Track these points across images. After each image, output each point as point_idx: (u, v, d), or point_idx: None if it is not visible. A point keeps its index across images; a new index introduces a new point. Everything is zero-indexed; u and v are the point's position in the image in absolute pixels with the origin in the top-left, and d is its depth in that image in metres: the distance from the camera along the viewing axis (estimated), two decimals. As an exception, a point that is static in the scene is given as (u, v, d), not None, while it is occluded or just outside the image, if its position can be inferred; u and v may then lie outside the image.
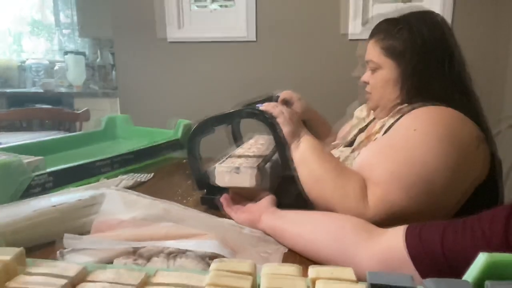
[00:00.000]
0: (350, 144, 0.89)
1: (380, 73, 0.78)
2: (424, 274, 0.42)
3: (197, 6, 2.21)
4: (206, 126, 0.76)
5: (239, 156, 0.81)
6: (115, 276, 0.35)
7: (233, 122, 0.97)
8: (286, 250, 0.60)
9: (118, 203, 0.65)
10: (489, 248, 0.38)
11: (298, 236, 0.58)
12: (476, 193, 0.65)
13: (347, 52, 2.00)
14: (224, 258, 0.45)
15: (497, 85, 1.67)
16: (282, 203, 0.71)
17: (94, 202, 0.67)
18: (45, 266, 0.38)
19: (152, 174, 1.02)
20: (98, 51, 3.55)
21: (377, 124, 0.79)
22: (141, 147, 1.09)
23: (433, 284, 0.34)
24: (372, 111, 0.86)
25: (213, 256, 0.51)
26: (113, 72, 3.29)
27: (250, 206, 0.72)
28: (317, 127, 1.04)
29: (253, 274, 0.35)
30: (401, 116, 0.71)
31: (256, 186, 0.72)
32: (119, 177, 0.95)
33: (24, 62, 3.58)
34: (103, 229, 0.60)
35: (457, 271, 0.39)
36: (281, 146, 0.75)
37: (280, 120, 0.74)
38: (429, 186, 0.60)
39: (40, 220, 0.60)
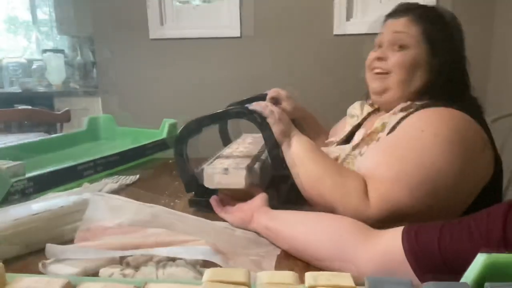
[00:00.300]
0: (345, 141, 0.88)
1: (409, 53, 0.73)
2: (422, 276, 0.42)
3: (180, 2, 2.17)
4: (194, 126, 0.74)
5: (228, 157, 0.79)
6: (102, 291, 0.33)
7: (221, 122, 0.95)
8: (279, 251, 0.59)
9: (103, 209, 0.62)
10: (486, 248, 0.38)
11: (293, 238, 0.57)
12: (480, 195, 0.65)
13: (336, 48, 2.00)
14: (216, 266, 0.43)
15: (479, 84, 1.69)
16: (272, 202, 0.70)
17: (77, 208, 0.64)
18: (26, 282, 0.36)
19: (138, 176, 0.99)
20: (78, 49, 3.46)
21: (377, 121, 0.77)
22: (126, 148, 1.06)
23: (432, 287, 0.33)
24: (376, 96, 0.80)
25: (204, 263, 0.50)
26: (94, 70, 3.22)
27: (242, 205, 0.71)
28: (308, 125, 1.02)
29: (248, 284, 0.34)
30: (406, 115, 0.70)
31: (246, 187, 0.70)
32: (103, 180, 0.92)
33: (0, 61, 3.46)
34: (88, 237, 0.57)
35: (455, 272, 0.38)
36: (271, 145, 0.74)
37: (270, 120, 0.72)
38: (435, 188, 0.59)
39: (20, 230, 0.58)
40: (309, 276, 0.34)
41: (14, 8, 3.80)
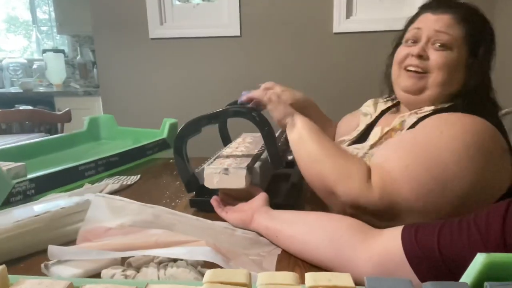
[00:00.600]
0: (358, 140, 0.86)
1: (452, 55, 0.70)
2: (421, 275, 0.42)
3: (180, 1, 2.17)
4: (193, 126, 0.74)
5: (228, 156, 0.79)
6: (104, 293, 0.34)
7: (220, 122, 0.95)
8: (280, 251, 0.60)
9: (104, 209, 0.62)
10: (486, 248, 0.38)
11: (293, 238, 0.58)
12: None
13: (336, 46, 2.00)
14: (217, 267, 0.44)
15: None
16: (272, 202, 0.70)
17: (79, 209, 0.64)
18: (29, 284, 0.36)
19: (139, 176, 0.99)
20: (78, 48, 3.46)
21: (396, 119, 0.76)
22: (126, 148, 1.07)
23: (432, 287, 0.33)
24: (408, 95, 0.75)
25: (205, 264, 0.50)
26: (94, 70, 3.22)
27: (242, 205, 0.71)
28: (310, 114, 0.92)
29: (249, 285, 0.34)
30: (427, 116, 0.69)
31: (246, 187, 0.71)
32: (104, 181, 0.93)
33: (0, 61, 3.47)
34: (90, 237, 0.58)
35: (455, 271, 0.38)
36: (270, 143, 0.74)
37: (270, 107, 0.74)
38: (443, 190, 0.58)
39: (22, 231, 0.58)
40: (309, 276, 0.35)
41: (14, 8, 3.80)
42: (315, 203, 0.79)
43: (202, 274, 0.47)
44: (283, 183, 0.88)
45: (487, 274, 0.32)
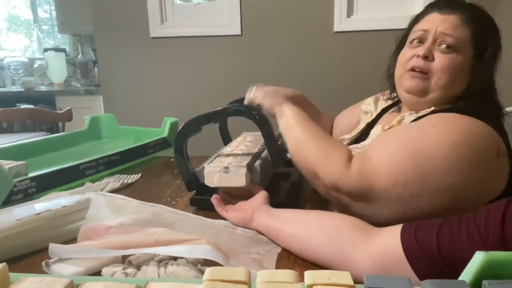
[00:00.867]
0: (359, 138, 0.87)
1: (458, 57, 0.68)
2: (420, 274, 0.42)
3: (180, 0, 2.17)
4: (193, 125, 0.75)
5: (228, 155, 0.79)
6: (104, 291, 0.34)
7: (220, 120, 0.95)
8: (280, 250, 0.60)
9: (105, 208, 0.63)
10: (485, 246, 0.38)
11: (293, 236, 0.58)
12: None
13: (336, 45, 2.00)
14: (217, 265, 0.44)
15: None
16: (272, 200, 0.70)
17: (79, 208, 0.64)
18: (30, 282, 0.36)
19: (140, 174, 1.00)
20: (79, 47, 3.46)
21: (396, 118, 0.76)
22: (127, 147, 1.07)
23: (431, 285, 0.33)
24: (411, 96, 0.73)
25: (205, 262, 0.50)
26: (95, 69, 3.22)
27: (242, 204, 0.71)
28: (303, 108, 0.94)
29: (248, 282, 0.34)
30: (425, 115, 0.68)
31: (247, 185, 0.71)
32: (105, 179, 0.93)
33: (2, 60, 3.47)
34: (90, 236, 0.58)
35: (454, 270, 0.38)
36: (270, 142, 0.74)
37: (259, 100, 0.77)
38: (423, 181, 0.58)
39: (23, 229, 0.58)
40: (309, 274, 0.35)
41: (15, 7, 3.80)
42: (315, 201, 0.79)
43: (202, 272, 0.48)
44: (283, 182, 0.88)
45: (486, 272, 0.33)
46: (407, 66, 0.73)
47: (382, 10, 1.94)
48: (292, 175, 0.90)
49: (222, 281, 0.34)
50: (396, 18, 1.81)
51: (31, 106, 2.55)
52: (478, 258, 0.33)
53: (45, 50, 3.31)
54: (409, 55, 0.73)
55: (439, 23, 0.70)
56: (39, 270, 0.52)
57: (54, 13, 3.40)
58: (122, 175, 0.98)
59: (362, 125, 0.90)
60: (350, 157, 0.64)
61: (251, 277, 0.35)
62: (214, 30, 2.06)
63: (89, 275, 0.50)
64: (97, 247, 0.52)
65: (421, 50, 0.70)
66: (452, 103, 0.71)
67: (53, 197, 0.73)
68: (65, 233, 0.62)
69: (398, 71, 0.77)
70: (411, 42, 0.74)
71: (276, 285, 0.34)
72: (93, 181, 0.91)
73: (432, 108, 0.71)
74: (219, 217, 0.71)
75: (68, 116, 2.06)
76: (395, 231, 0.46)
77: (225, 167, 0.71)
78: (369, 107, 0.92)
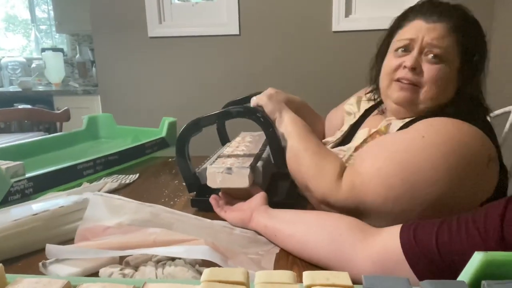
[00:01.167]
0: (343, 141, 0.86)
1: (446, 68, 0.67)
2: (420, 274, 0.42)
3: (179, 0, 2.16)
4: (195, 126, 0.74)
5: (229, 156, 0.79)
6: (101, 292, 0.34)
7: (222, 122, 0.95)
8: (278, 250, 0.60)
9: (103, 208, 0.62)
10: (484, 246, 0.38)
11: (292, 237, 0.58)
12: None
13: (335, 45, 1.99)
14: (215, 265, 0.44)
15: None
16: (272, 200, 0.70)
17: (77, 208, 0.64)
18: (26, 283, 0.36)
19: (138, 174, 0.99)
20: (77, 47, 3.45)
21: (383, 122, 0.75)
22: (125, 147, 1.06)
23: (430, 286, 0.33)
24: (399, 108, 0.71)
25: (203, 263, 0.50)
26: (93, 69, 3.21)
27: (241, 204, 0.71)
28: (305, 116, 0.89)
29: (246, 283, 0.34)
30: (413, 121, 0.67)
31: (249, 186, 0.70)
32: (103, 179, 0.93)
33: (-1, 60, 3.47)
34: (88, 236, 0.57)
35: (453, 270, 0.38)
36: (274, 144, 0.74)
37: (261, 103, 0.77)
38: (413, 195, 0.57)
39: (20, 230, 0.58)
40: (307, 275, 0.35)
41: (13, 7, 3.79)
42: (314, 202, 0.79)
43: (200, 273, 0.47)
44: (283, 182, 0.88)
45: (485, 272, 0.32)
46: (394, 76, 0.71)
47: (380, 10, 1.94)
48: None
49: (220, 281, 0.34)
50: (394, 18, 1.80)
51: (29, 106, 2.54)
52: (477, 259, 0.33)
53: (43, 50, 3.30)
54: (394, 65, 0.70)
55: (425, 32, 0.67)
56: (36, 271, 0.52)
57: (52, 13, 3.38)
58: (120, 175, 0.98)
59: (345, 127, 0.89)
60: (341, 172, 0.64)
61: (249, 278, 0.35)
62: (212, 29, 2.06)
63: (86, 275, 0.50)
64: (95, 248, 0.52)
65: (408, 62, 0.67)
66: (441, 109, 0.68)
67: (50, 198, 0.73)
68: (63, 234, 0.61)
69: (384, 81, 0.74)
70: (396, 50, 0.71)
71: (274, 285, 0.34)
72: (91, 182, 0.91)
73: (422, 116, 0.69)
74: (217, 217, 0.70)
75: (66, 116, 2.05)
76: (394, 231, 0.46)
77: (227, 168, 0.70)
78: (352, 107, 0.91)
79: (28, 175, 0.80)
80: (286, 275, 0.35)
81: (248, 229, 0.66)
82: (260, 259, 0.56)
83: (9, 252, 0.57)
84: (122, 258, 0.52)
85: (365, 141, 0.75)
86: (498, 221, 0.37)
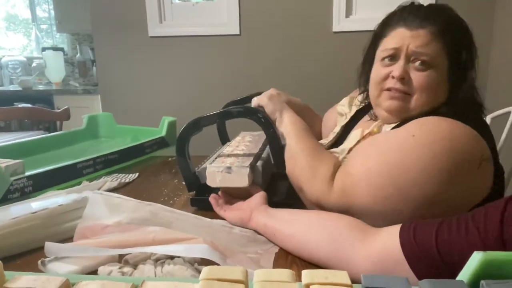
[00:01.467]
0: (336, 143, 0.86)
1: (434, 74, 0.65)
2: (419, 274, 0.42)
3: (179, 0, 2.17)
4: (196, 126, 0.75)
5: (229, 155, 0.79)
6: (100, 289, 0.34)
7: (223, 121, 0.95)
8: (277, 249, 0.60)
9: (102, 207, 0.62)
10: (484, 246, 0.38)
11: (291, 236, 0.58)
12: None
13: (335, 45, 2.00)
14: (214, 264, 0.44)
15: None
16: (272, 200, 0.70)
17: (76, 206, 0.64)
18: (25, 280, 0.36)
19: (137, 174, 0.99)
20: (77, 47, 3.45)
21: (376, 123, 0.75)
22: (125, 146, 1.06)
23: (429, 285, 0.33)
24: (390, 116, 0.70)
25: (202, 261, 0.50)
26: (94, 68, 3.21)
27: (241, 204, 0.71)
28: (306, 118, 0.89)
29: (245, 282, 0.34)
30: (406, 121, 0.66)
31: (249, 186, 0.71)
32: (103, 178, 0.93)
33: (0, 59, 3.46)
34: (87, 234, 0.57)
35: (453, 269, 0.38)
36: (274, 144, 0.74)
37: (262, 103, 0.77)
38: (402, 195, 0.57)
39: (20, 228, 0.58)
40: (306, 273, 0.34)
41: (14, 6, 3.79)
42: (313, 201, 0.79)
43: (199, 271, 0.47)
44: (283, 182, 0.88)
45: (484, 272, 0.32)
46: (383, 86, 0.70)
47: (380, 10, 1.91)
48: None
49: (218, 280, 0.34)
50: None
51: (29, 105, 2.54)
52: (476, 258, 0.33)
53: (43, 49, 3.30)
54: (382, 74, 0.69)
55: (410, 40, 0.66)
56: (35, 269, 0.52)
57: (52, 12, 3.38)
58: (120, 174, 0.98)
59: (337, 128, 0.89)
60: (334, 173, 0.64)
61: (248, 277, 0.35)
62: (213, 29, 2.06)
63: (85, 274, 0.50)
64: (94, 246, 0.52)
65: (396, 71, 0.66)
66: (434, 111, 0.67)
67: (50, 196, 0.73)
68: (62, 232, 0.61)
69: (373, 91, 0.73)
70: (382, 59, 0.70)
71: (273, 284, 0.34)
72: (91, 180, 0.91)
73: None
74: (217, 216, 0.70)
75: (66, 115, 2.05)
76: (394, 231, 0.46)
77: (227, 167, 0.70)
78: (344, 108, 0.91)
79: (27, 173, 0.80)
80: (285, 273, 0.35)
81: (247, 228, 0.66)
82: (259, 258, 0.56)
83: (8, 250, 0.57)
84: (121, 256, 0.52)
85: (358, 143, 0.75)
86: (498, 221, 0.37)
